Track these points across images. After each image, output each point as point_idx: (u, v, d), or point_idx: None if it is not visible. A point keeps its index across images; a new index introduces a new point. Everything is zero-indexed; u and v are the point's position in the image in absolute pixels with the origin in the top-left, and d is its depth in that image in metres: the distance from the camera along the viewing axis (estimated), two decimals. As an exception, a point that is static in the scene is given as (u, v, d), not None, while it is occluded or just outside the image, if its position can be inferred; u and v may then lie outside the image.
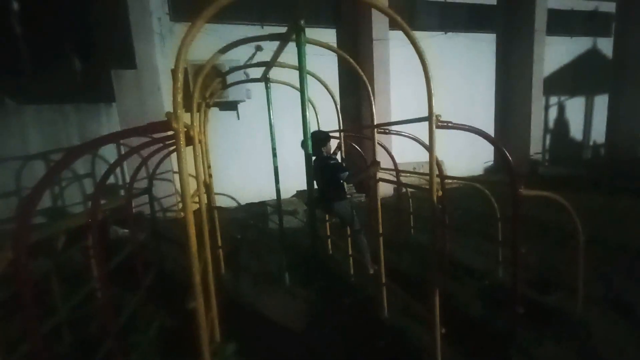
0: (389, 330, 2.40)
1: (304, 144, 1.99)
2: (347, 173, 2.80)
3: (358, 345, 2.28)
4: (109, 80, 4.97)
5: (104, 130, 5.03)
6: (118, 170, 5.12)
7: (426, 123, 1.65)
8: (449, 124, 1.70)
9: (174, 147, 2.47)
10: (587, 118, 9.84)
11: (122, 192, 5.14)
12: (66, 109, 4.81)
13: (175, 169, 5.34)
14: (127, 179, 5.10)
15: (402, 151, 4.19)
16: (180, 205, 5.63)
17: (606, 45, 9.51)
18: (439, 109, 1.61)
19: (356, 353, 2.21)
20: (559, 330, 2.24)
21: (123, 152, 4.93)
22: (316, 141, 2.82)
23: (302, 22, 1.72)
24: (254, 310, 2.77)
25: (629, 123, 9.71)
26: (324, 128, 3.19)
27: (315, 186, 2.95)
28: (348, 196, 3.05)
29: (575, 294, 2.38)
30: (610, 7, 8.74)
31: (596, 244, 3.36)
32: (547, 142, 9.38)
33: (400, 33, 1.63)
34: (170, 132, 1.25)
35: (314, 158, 3.10)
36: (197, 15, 1.24)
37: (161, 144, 2.22)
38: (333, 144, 3.08)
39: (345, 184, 2.95)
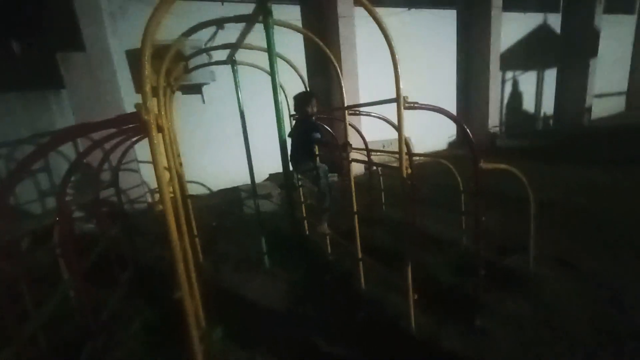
0: (367, 301, 2.56)
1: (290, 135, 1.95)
2: (320, 136, 2.78)
3: (339, 318, 2.42)
4: (54, 64, 4.52)
5: (57, 120, 4.63)
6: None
7: (394, 103, 1.72)
8: (416, 105, 1.78)
9: (138, 137, 2.38)
10: (539, 91, 10.52)
11: (78, 186, 4.83)
12: (10, 98, 4.35)
13: (140, 158, 5.09)
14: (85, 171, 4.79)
15: (370, 129, 4.27)
16: (149, 196, 5.43)
17: (555, 21, 10.09)
18: (404, 86, 1.68)
19: (338, 325, 2.35)
20: (515, 288, 2.52)
21: (80, 143, 4.60)
22: (301, 101, 2.82)
23: (269, 4, 1.67)
24: (236, 294, 2.82)
25: (575, 95, 10.57)
26: (293, 111, 3.16)
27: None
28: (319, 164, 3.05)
29: (528, 254, 2.67)
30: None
31: (546, 209, 3.72)
32: (504, 115, 9.95)
33: (364, 10, 1.64)
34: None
35: (296, 119, 3.07)
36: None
37: (124, 136, 2.12)
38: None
39: (315, 146, 2.94)
